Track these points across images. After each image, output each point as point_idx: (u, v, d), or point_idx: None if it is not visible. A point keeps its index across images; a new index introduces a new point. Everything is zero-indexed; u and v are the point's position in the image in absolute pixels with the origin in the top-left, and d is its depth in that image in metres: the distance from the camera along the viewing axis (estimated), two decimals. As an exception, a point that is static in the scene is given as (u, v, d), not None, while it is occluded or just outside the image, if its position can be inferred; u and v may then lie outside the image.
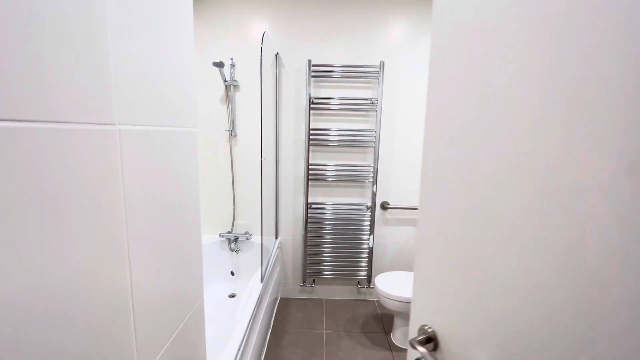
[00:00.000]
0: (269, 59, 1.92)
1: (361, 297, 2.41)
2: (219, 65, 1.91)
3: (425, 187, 0.61)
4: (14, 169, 0.28)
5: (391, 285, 1.84)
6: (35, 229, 0.31)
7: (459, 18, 0.52)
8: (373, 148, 2.15)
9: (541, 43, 0.38)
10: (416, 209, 2.21)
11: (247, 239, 2.25)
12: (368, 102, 2.09)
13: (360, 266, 2.30)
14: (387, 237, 2.32)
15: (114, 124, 0.41)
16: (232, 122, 2.14)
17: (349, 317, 2.18)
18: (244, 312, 1.45)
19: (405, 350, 1.86)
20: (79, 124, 0.35)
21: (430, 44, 0.59)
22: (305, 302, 2.36)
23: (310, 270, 2.31)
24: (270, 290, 1.97)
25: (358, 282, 2.37)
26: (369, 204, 2.22)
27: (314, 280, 2.37)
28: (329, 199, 2.25)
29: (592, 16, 0.32)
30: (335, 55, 2.09)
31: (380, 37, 2.08)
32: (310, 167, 2.17)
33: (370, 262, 2.28)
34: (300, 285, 2.37)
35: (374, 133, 2.12)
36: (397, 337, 1.92)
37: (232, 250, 2.25)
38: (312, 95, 2.10)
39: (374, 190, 2.19)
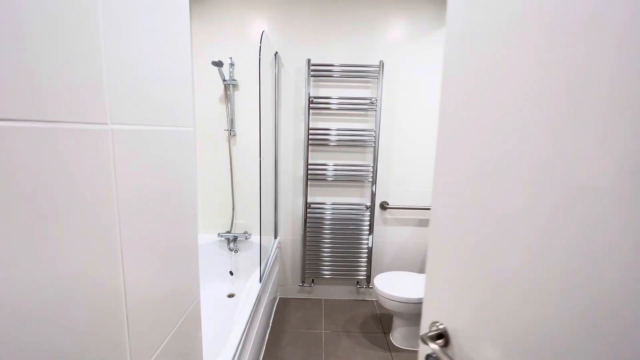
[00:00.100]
0: (268, 58, 1.91)
1: (360, 297, 2.40)
2: (218, 64, 1.91)
3: (437, 189, 0.62)
4: (0, 169, 0.28)
5: (390, 285, 1.83)
6: (24, 230, 0.30)
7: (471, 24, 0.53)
8: (372, 148, 2.14)
9: (545, 45, 0.38)
10: (416, 208, 2.22)
11: (246, 238, 2.24)
12: (367, 101, 2.09)
13: (360, 266, 2.29)
14: (386, 237, 2.32)
15: (107, 124, 0.41)
16: (231, 122, 2.14)
17: (348, 317, 2.18)
18: (242, 312, 1.44)
19: (404, 351, 1.86)
20: (69, 124, 0.35)
21: (444, 40, 0.59)
22: (304, 302, 2.35)
23: (310, 270, 2.31)
24: (269, 290, 1.97)
25: (357, 282, 2.36)
26: (369, 203, 2.21)
27: (313, 280, 2.36)
28: (328, 199, 2.24)
29: (600, 20, 0.32)
30: (335, 54, 2.09)
31: (379, 36, 2.07)
32: (309, 166, 2.16)
33: (369, 262, 2.27)
34: (300, 285, 2.37)
35: (373, 133, 2.11)
36: (396, 338, 1.92)
37: (231, 250, 2.25)
38: (311, 95, 2.09)
39: (373, 190, 2.18)
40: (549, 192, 0.38)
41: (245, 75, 2.11)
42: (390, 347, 1.89)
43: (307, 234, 2.25)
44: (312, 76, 2.09)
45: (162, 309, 0.57)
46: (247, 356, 1.39)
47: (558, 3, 0.37)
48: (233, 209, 2.25)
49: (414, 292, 1.77)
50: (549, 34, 0.38)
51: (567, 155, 0.35)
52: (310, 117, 2.12)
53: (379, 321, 2.14)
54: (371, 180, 2.18)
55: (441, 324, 0.59)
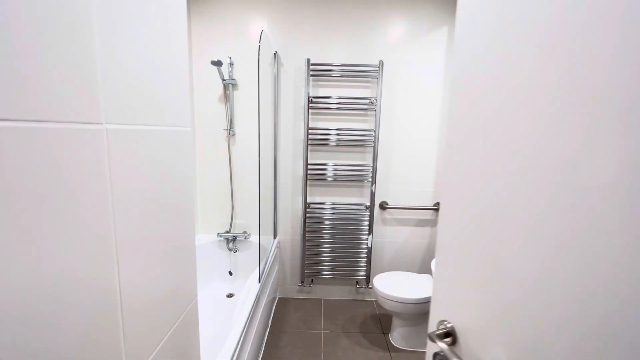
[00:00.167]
0: (267, 57, 1.91)
1: (360, 297, 2.40)
2: (217, 64, 1.90)
3: (445, 188, 0.63)
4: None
5: (390, 285, 1.83)
6: (14, 230, 0.30)
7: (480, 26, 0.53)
8: (372, 148, 2.14)
9: (557, 45, 0.39)
10: (415, 208, 2.22)
11: (245, 238, 2.24)
12: (367, 101, 2.08)
13: (359, 266, 2.29)
14: (385, 237, 2.31)
15: (101, 123, 0.40)
16: (231, 121, 2.13)
17: (348, 317, 2.18)
18: (241, 312, 1.44)
19: (403, 351, 1.86)
20: (62, 123, 0.35)
21: (454, 42, 0.59)
22: (304, 302, 2.35)
23: (309, 270, 2.31)
24: (268, 290, 1.97)
25: (357, 282, 2.36)
26: (368, 203, 2.21)
27: (312, 280, 2.36)
28: (328, 199, 2.24)
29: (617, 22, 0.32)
30: (334, 54, 2.08)
31: (379, 36, 2.06)
32: (308, 166, 2.16)
33: (368, 262, 2.27)
34: (299, 285, 2.36)
35: (372, 132, 2.11)
36: (396, 338, 1.91)
37: (230, 250, 2.25)
38: (310, 95, 2.09)
39: (373, 190, 2.18)
40: (559, 192, 0.38)
41: (245, 75, 2.10)
42: (389, 348, 1.88)
43: (307, 234, 2.25)
44: (312, 76, 2.08)
45: (159, 309, 0.56)
46: (246, 356, 1.39)
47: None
48: (232, 208, 2.25)
49: (413, 293, 1.76)
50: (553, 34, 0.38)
51: (577, 154, 0.36)
52: (310, 116, 2.12)
53: (378, 321, 2.14)
54: (371, 180, 2.17)
55: (449, 323, 0.60)
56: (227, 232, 2.25)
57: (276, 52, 2.07)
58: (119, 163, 0.44)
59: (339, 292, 2.39)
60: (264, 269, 1.83)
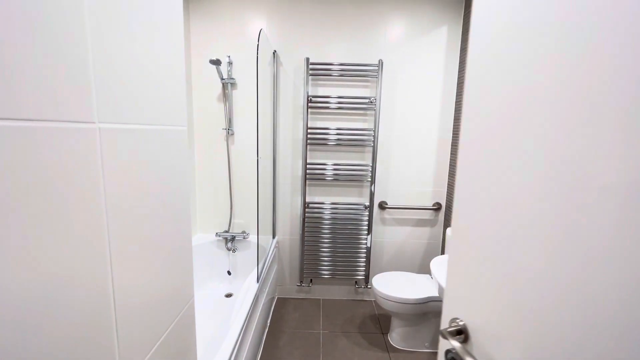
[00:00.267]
0: (266, 57, 1.90)
1: (359, 297, 2.40)
2: (216, 63, 1.90)
3: (459, 186, 0.63)
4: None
5: (388, 285, 1.83)
6: (4, 230, 0.29)
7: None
8: (371, 147, 2.13)
9: (571, 46, 0.39)
10: (414, 208, 2.21)
11: (244, 238, 2.24)
12: (366, 101, 2.08)
13: (358, 266, 2.29)
14: (385, 237, 2.31)
15: (94, 122, 0.40)
16: (229, 121, 2.12)
17: (346, 317, 2.17)
18: (239, 312, 1.44)
19: (402, 351, 1.85)
20: (53, 122, 0.34)
21: (470, 39, 0.60)
22: (303, 301, 2.34)
23: (308, 269, 2.30)
24: (267, 290, 1.96)
25: (356, 282, 2.35)
26: (367, 203, 2.20)
27: (311, 280, 2.35)
28: (327, 199, 2.24)
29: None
30: (334, 53, 2.07)
31: (378, 35, 2.06)
32: (308, 166, 2.15)
33: (368, 262, 2.26)
34: (298, 285, 2.36)
35: (372, 132, 2.10)
36: (394, 338, 1.91)
37: (229, 250, 2.24)
38: (310, 94, 2.08)
39: (372, 190, 2.17)
40: (571, 191, 0.38)
41: (244, 74, 2.10)
42: (388, 348, 1.88)
43: (306, 234, 2.25)
44: (311, 75, 2.07)
45: (154, 310, 0.56)
46: (244, 357, 1.38)
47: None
48: (231, 208, 2.24)
49: (412, 293, 1.76)
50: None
51: (589, 154, 0.36)
52: (309, 116, 2.11)
53: (377, 321, 2.14)
54: (370, 179, 2.17)
55: (461, 321, 0.60)
56: (226, 231, 2.24)
57: (275, 51, 2.06)
58: (112, 162, 0.43)
59: (338, 292, 2.39)
60: (263, 268, 1.82)
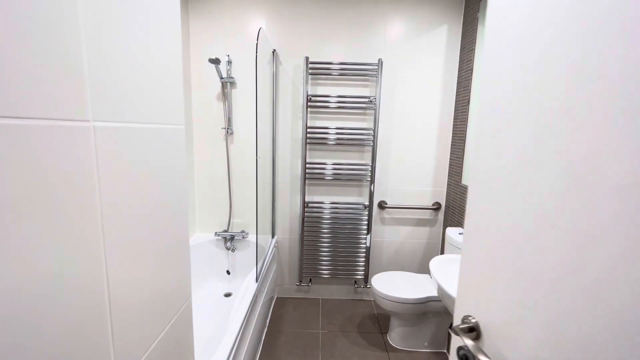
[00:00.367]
0: (265, 55, 1.89)
1: (358, 297, 2.40)
2: (215, 62, 1.89)
3: (473, 183, 0.63)
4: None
5: (388, 285, 1.82)
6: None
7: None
8: (371, 147, 2.13)
9: (585, 44, 0.39)
10: (414, 208, 2.21)
11: (243, 237, 2.23)
12: (366, 100, 2.07)
13: (357, 266, 2.28)
14: (384, 236, 2.31)
15: (88, 121, 0.39)
16: (229, 120, 2.12)
17: (346, 317, 2.17)
18: (238, 312, 1.43)
19: (401, 351, 1.85)
20: (46, 120, 0.33)
21: (485, 34, 0.60)
22: (302, 301, 2.34)
23: (307, 269, 2.30)
24: (266, 290, 1.96)
25: (355, 281, 2.35)
26: (367, 203, 2.20)
27: (310, 279, 2.35)
28: (326, 198, 2.23)
29: None
30: (333, 52, 2.07)
31: (378, 34, 2.05)
32: (307, 165, 2.15)
33: (367, 261, 2.26)
34: (297, 285, 2.35)
35: (371, 132, 2.10)
36: (394, 338, 1.91)
37: (228, 249, 2.24)
38: (309, 93, 2.08)
39: (372, 190, 2.17)
40: (586, 190, 0.38)
41: (243, 73, 2.09)
42: (387, 348, 1.88)
43: (305, 233, 2.24)
44: (311, 74, 2.07)
45: (151, 310, 0.55)
46: (242, 356, 1.38)
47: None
48: (230, 207, 2.24)
49: (412, 292, 1.75)
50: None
51: (605, 153, 0.36)
52: (309, 115, 2.11)
53: (377, 321, 2.13)
54: (369, 179, 2.16)
55: (473, 318, 0.61)
56: (225, 231, 2.24)
57: (274, 50, 2.06)
58: (107, 161, 0.43)
59: (337, 292, 2.39)
60: (262, 268, 1.82)
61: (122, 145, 0.46)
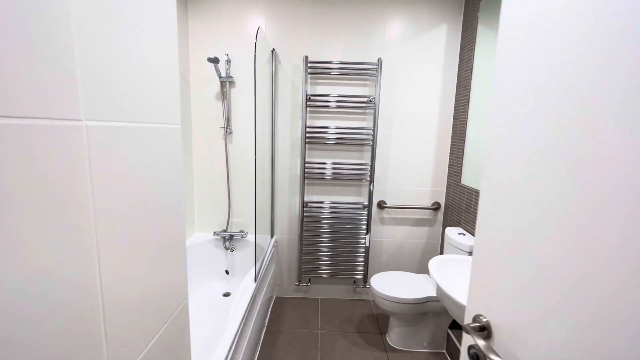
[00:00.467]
0: (264, 55, 1.89)
1: (357, 297, 2.39)
2: (214, 61, 1.88)
3: (485, 183, 0.64)
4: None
5: (387, 285, 1.82)
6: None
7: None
8: (370, 146, 2.12)
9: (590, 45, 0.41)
10: (413, 208, 2.20)
11: (242, 237, 2.23)
12: (365, 100, 2.06)
13: (357, 265, 2.28)
14: (383, 236, 2.30)
15: (80, 120, 0.39)
16: (228, 119, 2.11)
17: (345, 316, 2.17)
18: (236, 312, 1.43)
19: (400, 351, 1.85)
20: (36, 119, 0.33)
21: (499, 28, 0.60)
22: (301, 301, 2.34)
23: (306, 269, 2.29)
24: (264, 289, 1.96)
25: (354, 281, 2.35)
26: (366, 202, 2.20)
27: (309, 279, 2.35)
28: (326, 198, 2.23)
29: None
30: (333, 52, 2.06)
31: (378, 34, 2.05)
32: (306, 165, 2.14)
33: (366, 261, 2.26)
34: (296, 284, 2.35)
35: (371, 131, 2.09)
36: (392, 338, 1.90)
37: (226, 249, 2.23)
38: (308, 93, 2.07)
39: (371, 189, 2.16)
40: (596, 192, 0.38)
41: (242, 73, 2.08)
42: (386, 348, 1.87)
43: (304, 233, 2.24)
44: (310, 73, 2.06)
45: (145, 312, 0.55)
46: (241, 356, 1.37)
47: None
48: (229, 207, 2.23)
49: (411, 293, 1.75)
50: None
51: (616, 156, 0.36)
52: (308, 115, 2.10)
53: (376, 321, 2.13)
54: (369, 179, 2.16)
55: (484, 317, 0.62)
56: (224, 230, 2.23)
57: (274, 49, 2.05)
58: (100, 160, 0.42)
59: (336, 292, 2.38)
60: (261, 268, 1.81)
61: (116, 145, 0.45)
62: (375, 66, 2.02)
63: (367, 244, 2.23)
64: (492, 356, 0.52)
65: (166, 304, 0.62)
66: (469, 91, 1.90)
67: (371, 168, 2.13)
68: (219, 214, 2.26)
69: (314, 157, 2.18)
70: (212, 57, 1.87)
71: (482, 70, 1.78)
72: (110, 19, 0.44)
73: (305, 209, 2.20)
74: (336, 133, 2.11)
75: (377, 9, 2.02)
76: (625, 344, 0.35)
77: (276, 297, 2.38)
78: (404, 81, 2.09)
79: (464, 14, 2.01)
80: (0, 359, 0.30)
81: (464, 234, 1.81)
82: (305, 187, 2.20)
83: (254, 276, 1.71)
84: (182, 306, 0.68)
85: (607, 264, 0.37)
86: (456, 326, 1.84)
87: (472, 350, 0.57)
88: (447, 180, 2.20)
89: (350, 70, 2.05)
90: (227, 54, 2.05)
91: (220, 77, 2.02)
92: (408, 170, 2.20)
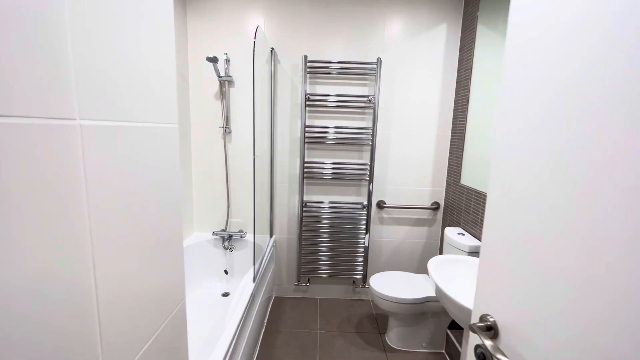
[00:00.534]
0: (263, 54, 1.88)
1: (356, 297, 2.39)
2: (213, 60, 1.88)
3: (493, 184, 0.64)
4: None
5: (386, 285, 1.82)
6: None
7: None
8: (369, 146, 2.12)
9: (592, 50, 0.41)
10: (412, 208, 2.20)
11: (241, 237, 2.22)
12: (365, 99, 2.06)
13: (356, 265, 2.28)
14: (382, 236, 2.30)
15: (74, 119, 0.38)
16: (227, 119, 2.11)
17: (344, 316, 2.16)
18: (235, 312, 1.42)
19: (399, 351, 1.85)
20: (28, 118, 0.32)
21: (508, 29, 0.61)
22: (300, 301, 2.34)
23: (305, 269, 2.29)
24: (263, 289, 1.95)
25: (353, 281, 2.34)
26: (365, 202, 2.19)
27: (308, 279, 2.34)
28: (325, 197, 2.22)
29: None
30: (332, 51, 2.06)
31: (377, 33, 2.04)
32: (305, 165, 2.14)
33: (365, 261, 2.25)
34: (295, 284, 2.35)
35: (370, 131, 2.09)
36: (392, 338, 1.90)
37: (225, 249, 2.23)
38: (308, 92, 2.07)
39: (370, 189, 2.16)
40: (600, 192, 0.39)
41: (241, 72, 2.08)
42: (385, 348, 1.87)
43: (303, 233, 2.23)
44: (309, 73, 2.06)
45: (141, 312, 0.54)
46: (240, 356, 1.37)
47: None
48: (228, 207, 2.23)
49: (410, 293, 1.75)
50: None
51: (619, 156, 0.37)
52: (307, 114, 2.10)
53: (375, 321, 2.13)
54: (368, 178, 2.16)
55: (491, 317, 0.62)
56: (223, 230, 2.23)
57: (273, 49, 2.05)
58: (94, 160, 0.42)
59: (336, 292, 2.38)
60: (259, 268, 1.81)
61: (111, 144, 0.45)
62: (375, 66, 2.01)
63: (367, 244, 2.23)
64: (498, 356, 0.52)
65: (163, 305, 0.62)
66: (469, 91, 1.90)
67: (370, 168, 2.13)
68: (218, 213, 2.26)
69: (313, 156, 2.17)
70: (211, 56, 1.87)
71: (482, 69, 1.77)
72: (105, 18, 0.43)
73: (304, 208, 2.20)
74: (335, 133, 2.10)
75: (376, 8, 2.01)
76: (632, 344, 0.35)
77: (275, 297, 2.37)
78: (404, 81, 2.09)
79: (463, 13, 2.01)
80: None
81: (464, 234, 1.81)
82: (305, 186, 2.20)
83: (253, 276, 1.71)
84: (179, 307, 0.68)
85: (615, 266, 0.37)
86: (455, 326, 1.84)
87: (479, 350, 0.57)
88: (447, 180, 2.20)
89: (350, 70, 2.04)
90: (226, 54, 2.05)
91: (219, 76, 2.02)
92: (407, 169, 2.20)
